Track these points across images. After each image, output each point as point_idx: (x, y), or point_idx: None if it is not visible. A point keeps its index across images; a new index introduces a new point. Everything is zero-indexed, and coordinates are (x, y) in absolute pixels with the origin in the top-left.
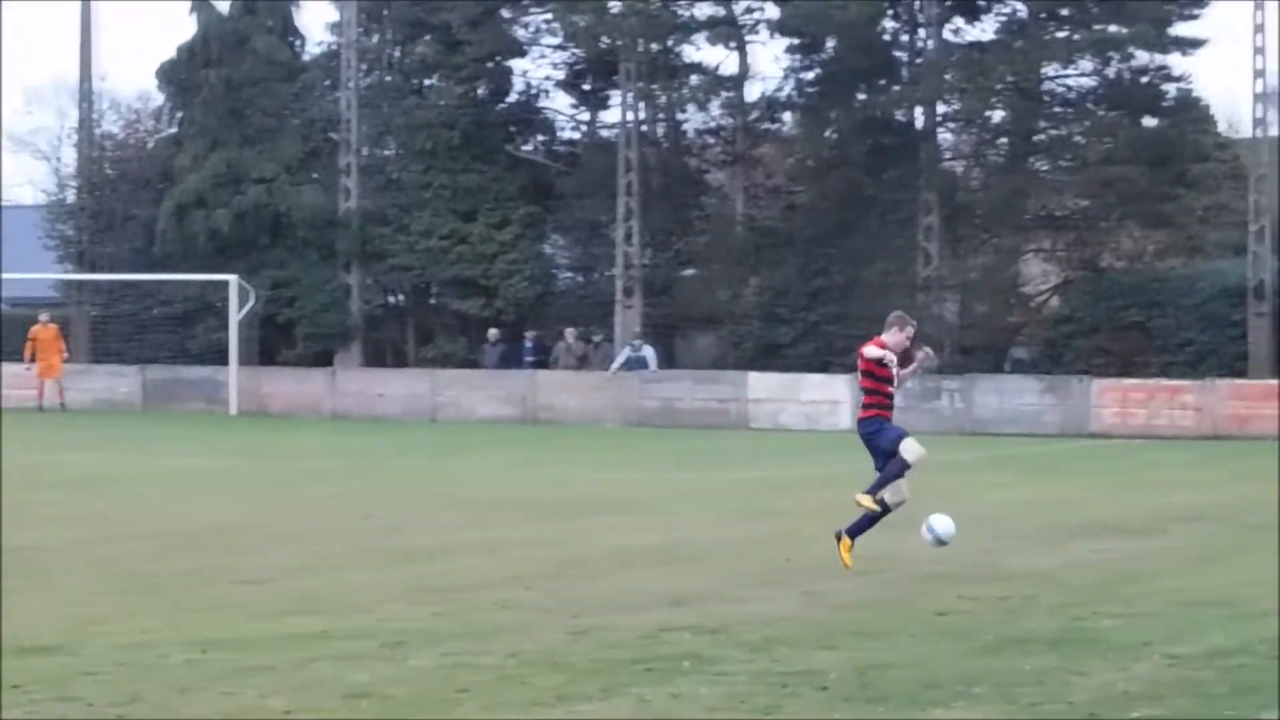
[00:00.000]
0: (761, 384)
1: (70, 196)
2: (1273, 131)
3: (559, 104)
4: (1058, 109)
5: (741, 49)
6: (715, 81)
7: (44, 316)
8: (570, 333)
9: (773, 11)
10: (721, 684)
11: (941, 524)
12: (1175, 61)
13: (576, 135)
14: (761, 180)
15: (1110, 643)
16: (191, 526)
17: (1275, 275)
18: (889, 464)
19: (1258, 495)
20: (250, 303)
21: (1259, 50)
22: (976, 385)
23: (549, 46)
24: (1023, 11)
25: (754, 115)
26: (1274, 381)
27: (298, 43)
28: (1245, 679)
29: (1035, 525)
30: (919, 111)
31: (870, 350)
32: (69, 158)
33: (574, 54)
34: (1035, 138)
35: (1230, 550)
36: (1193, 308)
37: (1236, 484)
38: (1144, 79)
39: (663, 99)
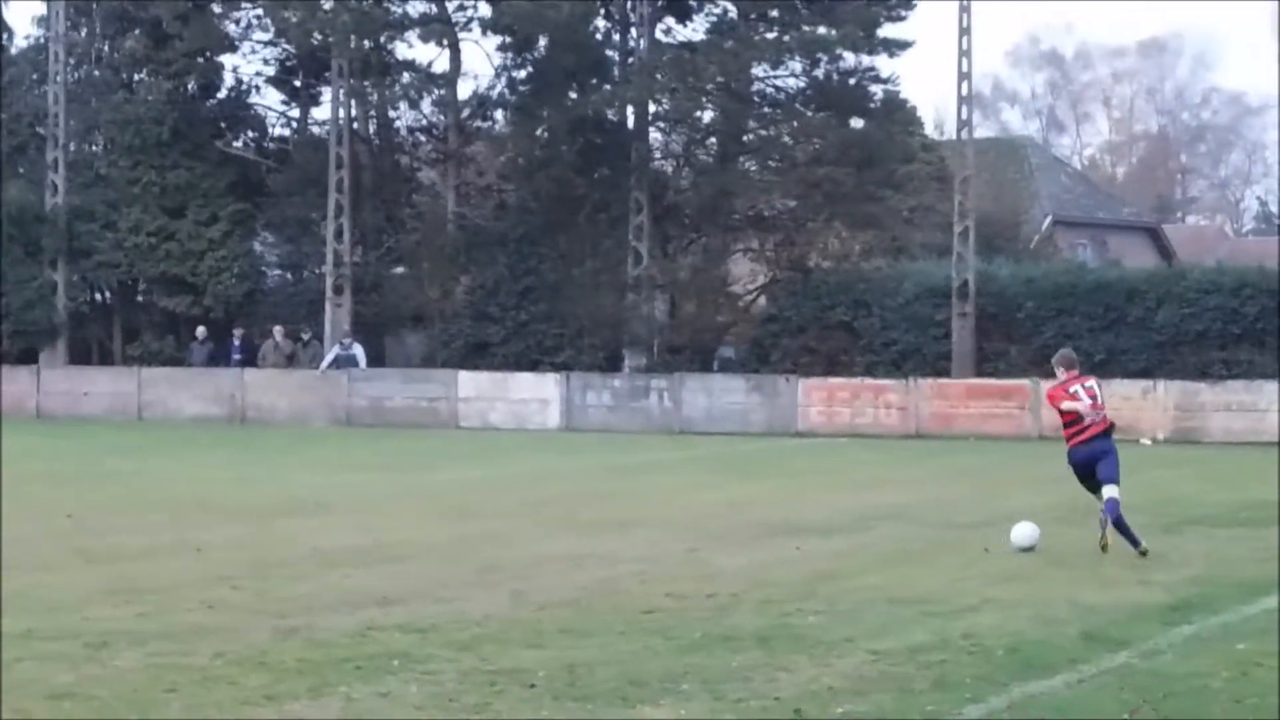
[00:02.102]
0: (471, 383)
1: None
2: (978, 134)
3: (269, 100)
4: (766, 110)
5: (454, 47)
6: (427, 79)
7: None
8: (278, 331)
9: (485, 10)
10: (430, 683)
11: (1020, 534)
12: (882, 63)
13: (287, 132)
14: (473, 179)
15: (815, 639)
16: None
17: (978, 276)
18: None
19: (958, 494)
20: None
21: (964, 53)
22: (685, 384)
23: (260, 42)
24: (733, 12)
25: (466, 113)
26: (975, 380)
27: (4, 36)
28: (946, 674)
29: (741, 524)
30: (630, 111)
31: (1066, 404)
32: None
33: (285, 50)
34: (744, 138)
35: (931, 549)
36: (898, 308)
37: (938, 483)
38: (852, 81)
39: (374, 96)
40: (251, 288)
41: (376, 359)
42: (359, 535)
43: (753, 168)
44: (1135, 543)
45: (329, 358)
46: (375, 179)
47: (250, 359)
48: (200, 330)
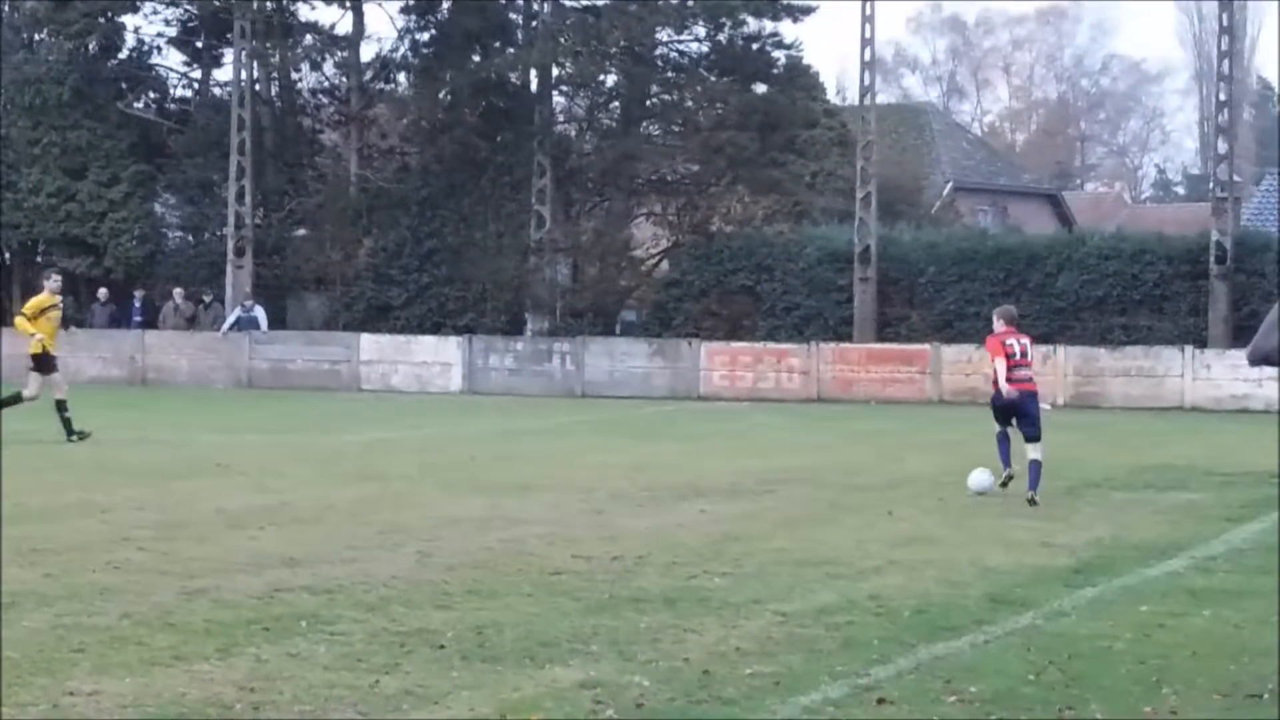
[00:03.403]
0: (373, 345)
1: None
2: (879, 100)
3: (171, 61)
4: (670, 74)
5: (356, 9)
6: (329, 41)
7: None
8: (179, 292)
9: None
10: (339, 643)
11: (978, 480)
12: (786, 29)
13: (189, 93)
14: (375, 141)
15: (722, 601)
16: None
17: (879, 241)
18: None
19: (860, 458)
20: None
21: (868, 19)
22: (587, 348)
23: (161, 3)
24: None
25: (368, 76)
26: (876, 345)
27: None
28: (853, 635)
29: (645, 487)
30: (533, 74)
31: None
32: None
33: (186, 11)
34: (648, 102)
35: (835, 511)
36: (799, 272)
37: (840, 447)
38: (755, 46)
39: (276, 58)
40: (153, 249)
41: (278, 321)
42: (263, 496)
43: (656, 132)
44: (1032, 485)
45: (230, 320)
46: (277, 141)
47: (151, 321)
48: (101, 292)
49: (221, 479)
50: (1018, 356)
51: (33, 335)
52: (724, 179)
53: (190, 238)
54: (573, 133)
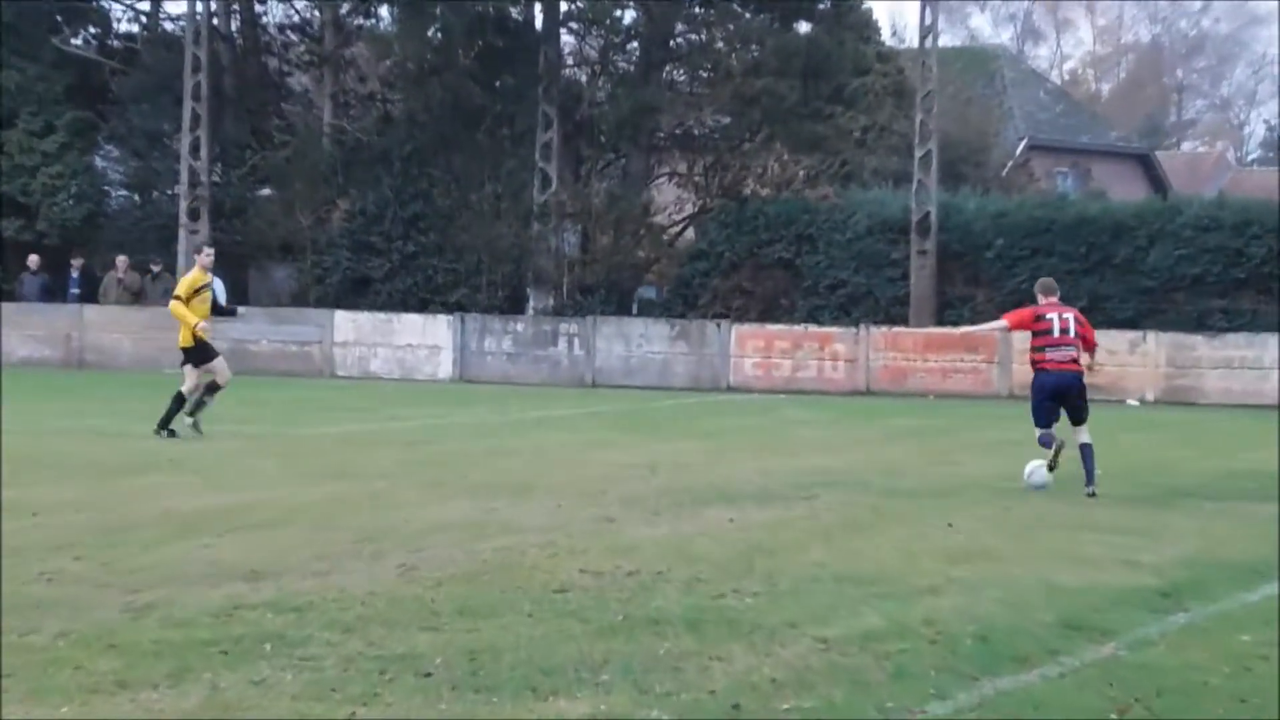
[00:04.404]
0: (349, 325)
1: None
2: (942, 43)
3: None
4: (697, 10)
5: None
6: None
7: None
8: (122, 261)
9: None
10: (308, 669)
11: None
12: None
13: (135, 28)
14: (353, 86)
15: (752, 623)
16: None
17: (940, 209)
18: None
19: (910, 458)
20: None
21: None
22: (598, 330)
23: None
24: None
25: (344, 9)
26: (935, 330)
27: None
28: (905, 665)
29: (664, 490)
30: (538, 9)
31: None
32: None
33: None
34: (671, 43)
35: (882, 520)
36: (846, 244)
37: (888, 445)
38: None
39: None
40: (92, 210)
41: (239, 296)
42: (220, 497)
43: (680, 78)
44: (1090, 478)
45: None
46: (238, 85)
47: (91, 294)
48: (32, 259)
49: (172, 477)
50: (1056, 334)
51: (196, 323)
52: (759, 134)
53: (136, 197)
54: (584, 78)
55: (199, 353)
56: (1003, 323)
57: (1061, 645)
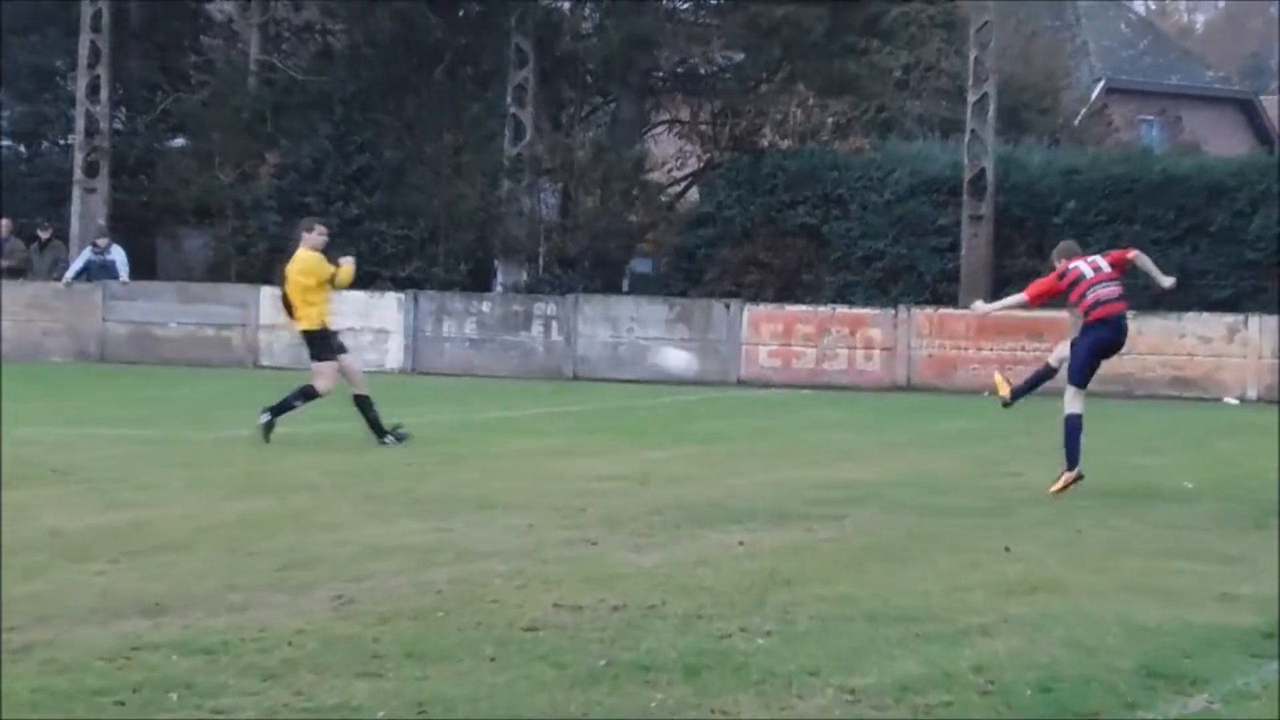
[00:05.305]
0: (277, 304)
1: None
2: None
3: None
4: None
5: None
6: None
7: None
8: (5, 225)
9: None
10: None
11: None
12: None
13: None
14: (285, 15)
15: (764, 670)
16: None
17: (999, 165)
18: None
19: (957, 468)
20: None
21: None
22: (582, 311)
23: None
24: None
25: None
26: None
27: None
28: None
29: (656, 507)
30: None
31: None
32: None
33: None
34: None
35: (922, 545)
36: (884, 207)
37: (931, 452)
38: None
39: None
40: None
41: (144, 268)
42: (115, 514)
43: (683, 6)
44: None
45: (76, 265)
46: (146, 14)
47: None
48: None
49: (57, 489)
50: (1090, 275)
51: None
52: (778, 74)
53: (22, 148)
54: (565, 6)
55: (323, 343)
56: (1021, 297)
57: (1141, 697)
